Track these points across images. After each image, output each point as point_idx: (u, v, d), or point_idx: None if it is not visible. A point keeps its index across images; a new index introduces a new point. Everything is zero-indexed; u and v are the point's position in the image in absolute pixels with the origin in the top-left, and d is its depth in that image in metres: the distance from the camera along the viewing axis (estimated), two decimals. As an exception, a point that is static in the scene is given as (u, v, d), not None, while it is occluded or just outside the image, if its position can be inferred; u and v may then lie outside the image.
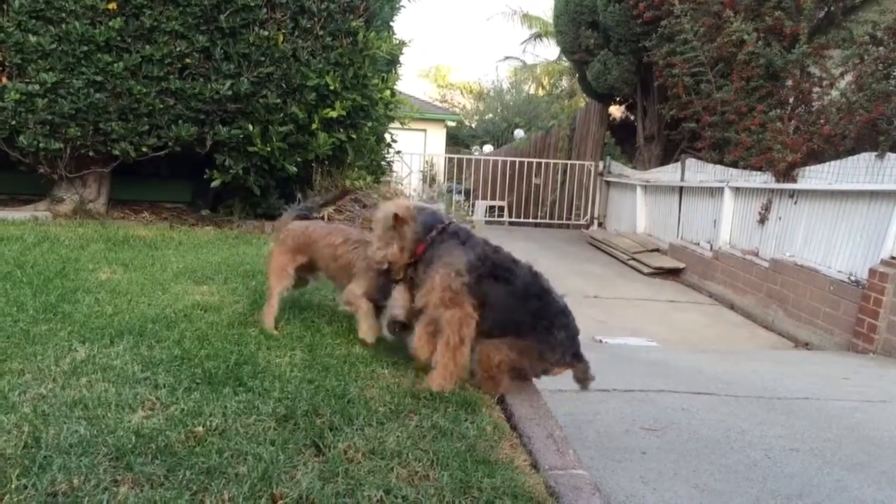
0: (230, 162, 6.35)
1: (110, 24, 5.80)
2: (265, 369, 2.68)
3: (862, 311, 5.69)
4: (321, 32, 6.29)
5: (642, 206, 11.31)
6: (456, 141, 26.60)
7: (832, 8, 8.55)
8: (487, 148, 24.38)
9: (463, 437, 2.27)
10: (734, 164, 8.35)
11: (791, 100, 8.18)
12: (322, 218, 5.28)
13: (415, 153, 14.70)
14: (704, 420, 3.24)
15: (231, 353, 2.79)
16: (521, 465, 2.19)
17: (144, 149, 6.19)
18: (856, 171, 6.29)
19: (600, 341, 5.88)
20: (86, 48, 5.80)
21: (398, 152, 9.77)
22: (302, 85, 6.25)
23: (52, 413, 2.12)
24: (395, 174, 10.53)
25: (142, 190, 7.38)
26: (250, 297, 3.77)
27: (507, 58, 31.58)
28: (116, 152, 6.13)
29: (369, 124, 7.07)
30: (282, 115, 6.27)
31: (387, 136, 8.94)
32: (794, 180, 7.20)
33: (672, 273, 9.32)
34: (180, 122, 6.10)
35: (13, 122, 5.80)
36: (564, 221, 14.41)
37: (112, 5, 5.80)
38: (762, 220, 7.74)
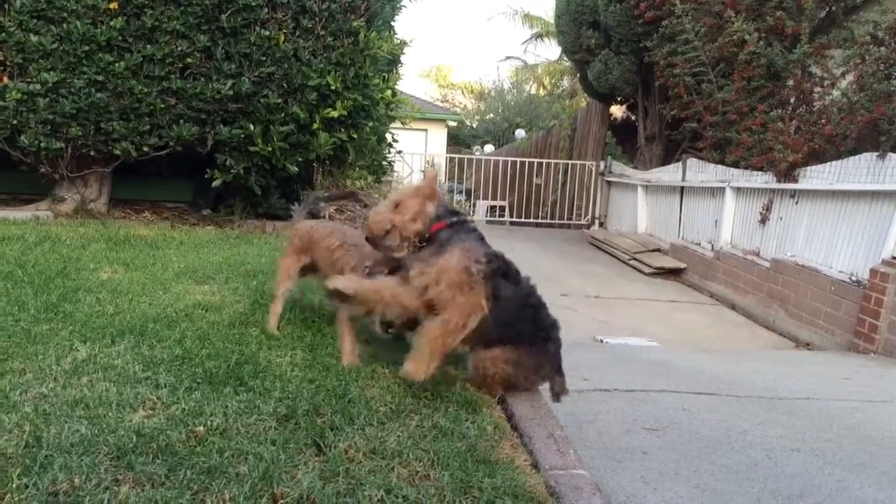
0: (231, 162, 6.36)
1: (111, 23, 5.80)
2: (266, 369, 2.68)
3: (863, 311, 5.68)
4: (322, 32, 6.29)
5: (643, 206, 11.31)
6: (457, 141, 26.61)
7: (833, 8, 8.54)
8: (488, 148, 24.37)
9: (464, 437, 2.28)
10: (735, 164, 8.34)
11: (792, 100, 8.17)
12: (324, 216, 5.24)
13: (416, 153, 14.70)
14: (705, 420, 3.24)
15: (232, 353, 2.80)
16: (522, 465, 2.19)
17: (146, 148, 6.19)
18: (857, 171, 6.28)
19: (601, 341, 5.88)
20: (87, 48, 5.80)
21: (399, 152, 9.77)
22: (303, 85, 6.26)
23: (54, 412, 2.12)
24: (396, 174, 10.54)
25: (143, 189, 7.39)
26: (251, 296, 3.77)
27: (508, 58, 31.63)
28: (118, 152, 6.13)
29: (370, 124, 7.07)
30: (283, 114, 6.27)
31: (388, 135, 8.94)
32: (796, 180, 7.19)
33: (673, 273, 9.32)
34: (181, 121, 6.11)
35: (14, 122, 5.81)
36: (565, 221, 14.41)
37: (113, 5, 5.80)
38: (763, 220, 7.74)
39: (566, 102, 24.84)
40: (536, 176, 15.46)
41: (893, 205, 5.78)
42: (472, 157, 19.27)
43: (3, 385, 2.29)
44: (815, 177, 6.91)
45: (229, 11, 5.97)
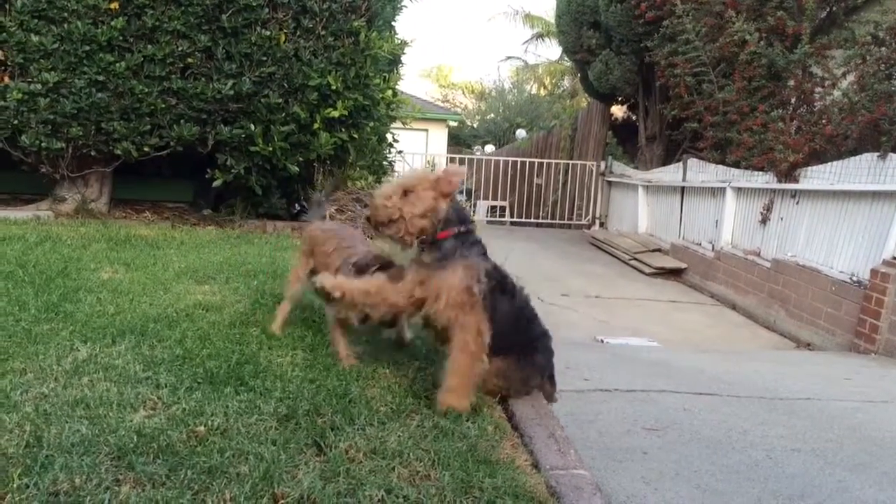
0: (232, 161, 6.36)
1: (112, 23, 5.81)
2: (266, 369, 2.69)
3: (864, 311, 5.68)
4: (323, 32, 6.30)
5: (644, 206, 11.31)
6: (458, 141, 26.62)
7: (834, 8, 8.54)
8: (489, 148, 24.38)
9: (464, 437, 2.28)
10: (736, 165, 8.34)
11: (793, 100, 8.17)
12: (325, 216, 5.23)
13: (416, 153, 14.70)
14: (706, 420, 3.24)
15: (232, 353, 2.80)
16: (523, 465, 2.19)
17: (146, 148, 6.20)
18: (858, 171, 6.28)
19: (602, 341, 5.88)
20: (88, 48, 5.81)
21: (400, 152, 9.76)
22: (304, 85, 6.26)
23: (54, 412, 2.13)
24: (396, 174, 10.52)
25: (144, 189, 7.40)
26: (252, 296, 3.77)
27: (508, 58, 31.62)
28: (118, 152, 6.14)
29: (371, 124, 7.07)
30: (283, 114, 6.28)
31: (388, 135, 8.93)
32: (796, 180, 7.19)
33: (674, 273, 9.31)
34: (182, 121, 6.11)
35: (15, 122, 5.82)
36: (566, 221, 14.41)
37: (114, 5, 5.81)
38: (764, 221, 7.73)
39: (567, 102, 24.83)
40: (537, 176, 15.47)
41: (894, 205, 5.77)
42: (473, 157, 19.27)
43: (4, 385, 2.29)
44: (816, 177, 6.90)
45: (230, 11, 5.98)
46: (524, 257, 9.44)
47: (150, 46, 5.94)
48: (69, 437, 1.97)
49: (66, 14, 5.75)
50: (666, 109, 10.18)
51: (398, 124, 9.51)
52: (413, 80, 34.89)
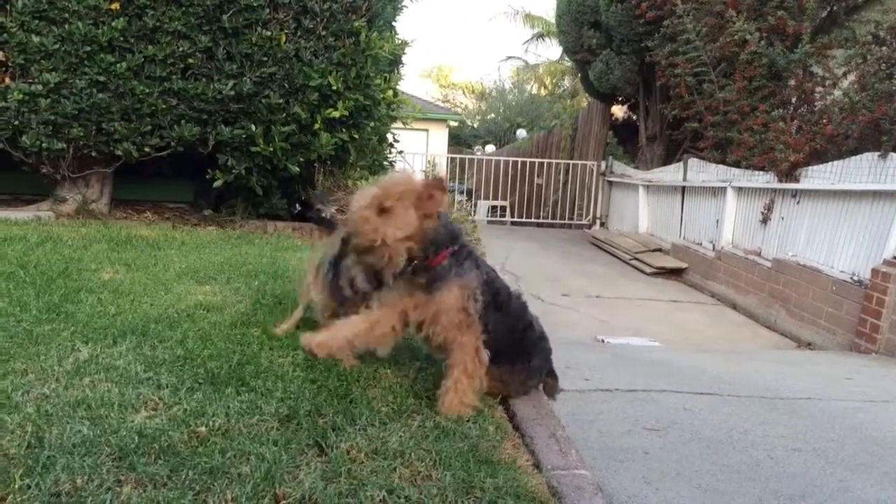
0: (233, 162, 6.36)
1: (113, 24, 5.80)
2: (268, 369, 2.69)
3: (864, 311, 5.68)
4: (324, 32, 6.29)
5: (644, 205, 11.31)
6: (458, 141, 26.61)
7: (835, 7, 8.54)
8: (490, 148, 24.39)
9: (465, 438, 2.28)
10: (737, 164, 8.34)
11: (794, 99, 8.17)
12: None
13: (417, 153, 14.70)
14: (707, 420, 3.24)
15: (234, 353, 2.80)
16: (524, 466, 2.19)
17: (147, 149, 6.20)
18: (858, 171, 6.28)
19: (602, 341, 5.88)
20: (88, 48, 5.81)
21: (400, 152, 9.75)
22: (304, 85, 6.26)
23: (56, 413, 2.13)
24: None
25: (144, 190, 7.40)
26: (253, 297, 3.77)
27: (509, 58, 31.63)
28: (119, 152, 6.14)
29: (372, 124, 7.06)
30: (284, 115, 6.28)
31: (389, 135, 8.92)
32: (797, 180, 7.19)
33: (674, 273, 9.31)
34: (183, 122, 6.11)
35: (16, 123, 5.82)
36: (567, 221, 14.41)
37: (115, 6, 5.81)
38: (765, 220, 7.73)
39: (567, 102, 24.83)
40: (537, 176, 15.47)
41: (895, 205, 5.77)
42: (474, 157, 19.27)
43: (6, 386, 2.29)
44: (817, 177, 6.90)
45: (231, 12, 5.98)
46: (525, 257, 9.44)
47: (150, 47, 5.94)
48: (71, 438, 1.97)
49: (66, 15, 5.75)
50: (666, 109, 10.18)
51: (399, 124, 9.50)
52: (413, 80, 34.90)
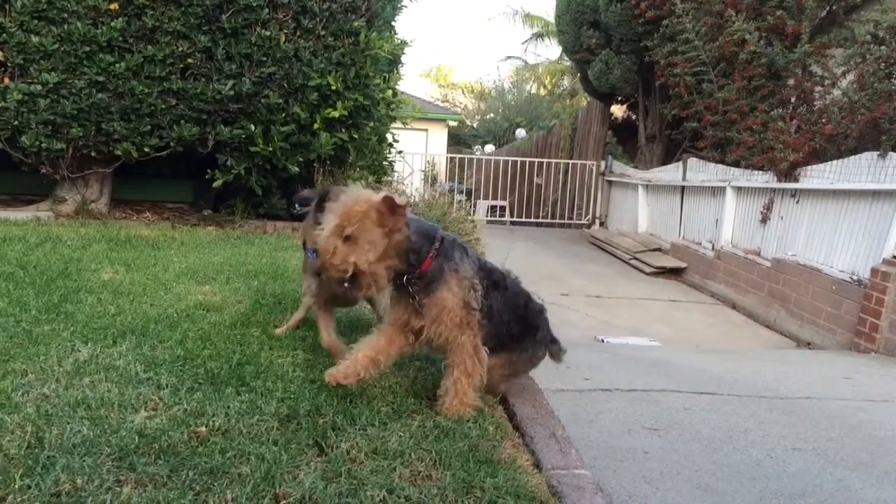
0: (232, 162, 6.36)
1: (112, 24, 5.81)
2: (268, 369, 2.69)
3: (864, 310, 5.68)
4: (323, 32, 6.30)
5: (644, 205, 11.31)
6: (458, 140, 26.60)
7: (834, 7, 8.54)
8: (489, 147, 24.37)
9: (465, 437, 2.28)
10: (736, 164, 8.34)
11: (793, 99, 8.17)
12: None
13: (416, 153, 14.69)
14: (707, 420, 3.24)
15: (233, 354, 2.80)
16: (524, 465, 2.19)
17: (146, 149, 6.20)
18: (858, 170, 6.28)
19: (602, 341, 5.88)
20: (88, 48, 5.81)
21: (400, 152, 9.76)
22: (304, 85, 6.26)
23: (56, 413, 2.13)
24: (396, 174, 10.52)
25: (144, 190, 7.40)
26: (252, 297, 3.77)
27: (508, 57, 31.61)
28: (118, 152, 6.14)
29: (371, 124, 7.07)
30: (284, 115, 6.28)
31: (388, 135, 8.93)
32: (796, 180, 7.19)
33: (674, 272, 9.31)
34: (182, 122, 6.11)
35: (15, 123, 5.82)
36: (566, 221, 14.41)
37: (114, 6, 5.81)
38: (764, 220, 7.73)
39: (567, 102, 24.83)
40: (537, 176, 15.47)
41: (894, 204, 5.77)
42: (473, 156, 19.27)
43: (5, 386, 2.29)
44: (816, 176, 6.90)
45: (230, 12, 5.98)
46: (524, 257, 9.44)
47: (150, 47, 5.94)
48: (70, 438, 1.97)
49: (66, 15, 5.75)
50: (666, 109, 10.18)
51: (398, 124, 9.51)
52: (413, 80, 34.87)
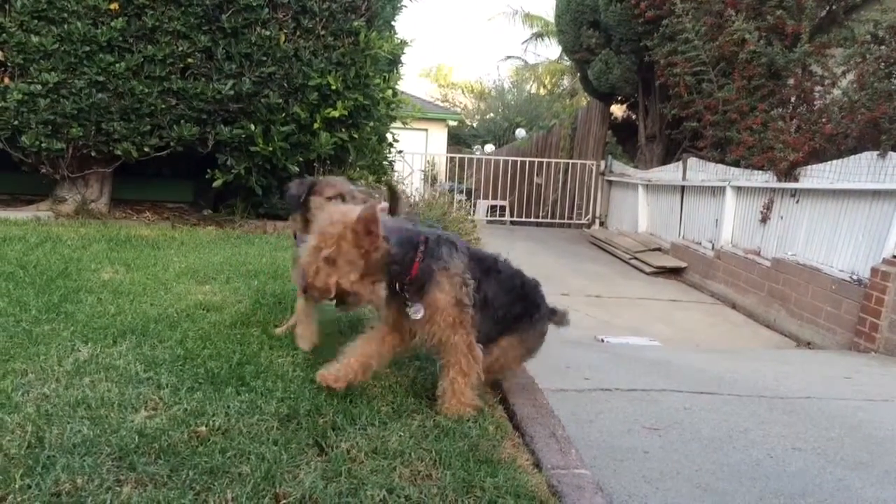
0: (232, 162, 6.36)
1: (112, 24, 5.81)
2: (268, 369, 2.69)
3: (864, 310, 5.68)
4: (323, 32, 6.30)
5: (644, 205, 11.31)
6: (457, 140, 26.59)
7: (834, 7, 8.54)
8: (489, 147, 24.37)
9: (465, 437, 2.28)
10: (736, 164, 8.34)
11: (793, 99, 8.17)
12: None
13: (416, 153, 14.70)
14: (707, 419, 3.24)
15: (234, 353, 2.80)
16: (524, 465, 2.19)
17: (146, 149, 6.20)
18: (858, 170, 6.28)
19: (602, 340, 5.89)
20: (88, 48, 5.81)
21: (400, 152, 9.76)
22: (304, 85, 6.26)
23: (56, 413, 2.13)
24: (396, 174, 10.52)
25: (144, 190, 7.40)
26: (252, 296, 3.77)
27: (508, 57, 31.61)
28: (118, 152, 6.14)
29: (371, 124, 7.07)
30: (284, 114, 6.28)
31: (388, 135, 8.94)
32: (796, 179, 7.19)
33: (674, 272, 9.31)
34: (182, 121, 6.11)
35: (15, 123, 5.82)
36: (566, 221, 14.41)
37: (114, 6, 5.81)
38: (764, 220, 7.73)
39: (566, 102, 24.82)
40: (537, 175, 15.47)
41: (894, 204, 5.77)
42: (473, 156, 19.27)
43: (6, 385, 2.29)
44: (816, 176, 6.90)
45: (230, 12, 5.98)
46: (524, 257, 9.44)
47: (150, 47, 5.94)
48: (71, 438, 1.97)
49: (65, 15, 5.75)
50: (666, 108, 10.18)
51: (398, 124, 9.51)
52: (413, 80, 34.86)
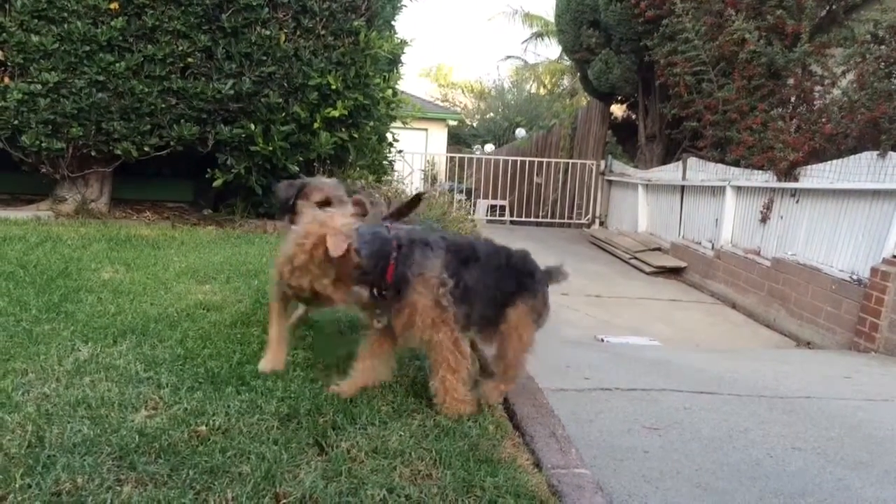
0: (232, 161, 6.36)
1: (112, 23, 5.80)
2: (268, 368, 2.68)
3: (864, 309, 5.68)
4: (323, 32, 6.29)
5: (644, 205, 11.31)
6: (457, 140, 26.57)
7: (834, 6, 8.54)
8: (489, 147, 24.35)
9: (465, 437, 2.28)
10: (736, 163, 8.34)
11: (793, 98, 8.17)
12: None
13: (416, 152, 14.70)
14: (706, 419, 3.24)
15: (234, 353, 2.80)
16: (524, 465, 2.20)
17: (146, 148, 6.20)
18: (858, 170, 6.28)
19: (602, 340, 5.89)
20: (88, 48, 5.81)
21: (400, 151, 9.76)
22: (304, 84, 6.26)
23: (56, 412, 2.13)
24: (396, 173, 10.52)
25: (144, 189, 7.40)
26: (253, 296, 3.77)
27: (508, 57, 31.57)
28: (118, 152, 6.14)
29: (371, 123, 7.07)
30: (284, 114, 6.28)
31: (388, 135, 8.93)
32: (796, 179, 7.19)
33: (674, 272, 9.31)
34: (182, 121, 6.11)
35: (15, 122, 5.81)
36: (566, 220, 14.41)
37: (114, 5, 5.81)
38: (764, 219, 7.73)
39: (566, 101, 24.81)
40: (537, 175, 15.46)
41: (894, 203, 5.78)
42: (473, 156, 19.26)
43: (6, 385, 2.29)
44: (816, 175, 6.90)
45: (230, 11, 5.97)
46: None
47: (150, 46, 5.93)
48: (71, 437, 1.97)
49: (66, 14, 5.75)
50: (666, 108, 10.18)
51: (398, 124, 9.51)
52: (413, 80, 34.82)
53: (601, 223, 13.33)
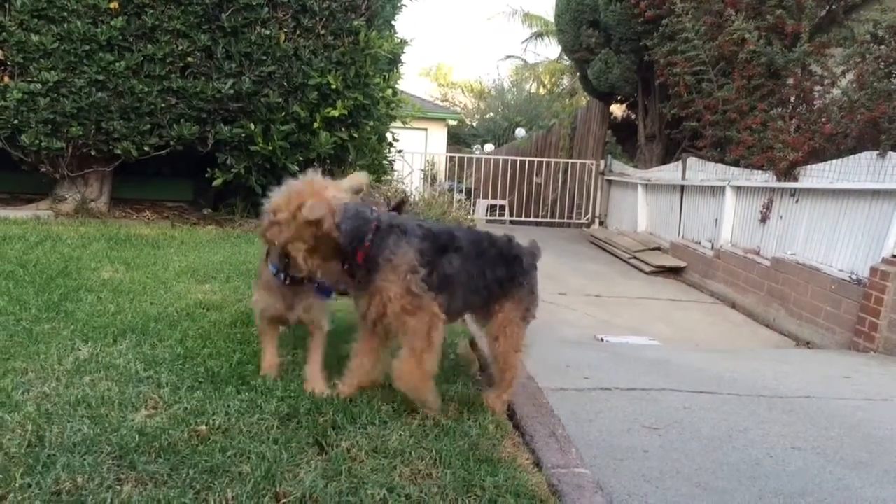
0: (232, 161, 6.36)
1: (112, 23, 5.80)
2: (268, 368, 2.68)
3: (863, 309, 5.68)
4: (323, 31, 6.30)
5: (643, 204, 11.31)
6: (457, 140, 26.56)
7: (833, 6, 8.54)
8: (488, 147, 24.35)
9: (465, 436, 2.28)
10: (735, 163, 8.34)
11: (792, 98, 8.17)
12: None
13: (416, 152, 14.69)
14: (706, 419, 3.24)
15: (234, 352, 2.80)
16: (524, 464, 2.20)
17: (146, 148, 6.20)
18: (857, 169, 6.28)
19: (602, 340, 5.89)
20: (88, 47, 5.81)
21: (399, 151, 9.76)
22: (304, 84, 6.26)
23: (56, 412, 2.13)
24: (396, 173, 10.52)
25: (143, 189, 7.40)
26: (252, 296, 3.77)
27: (508, 57, 31.57)
28: (118, 151, 6.14)
29: (371, 123, 7.07)
30: (283, 113, 6.28)
31: (388, 135, 8.93)
32: (796, 179, 7.19)
33: (673, 272, 9.31)
34: (182, 120, 6.11)
35: (15, 122, 5.81)
36: (566, 220, 14.41)
37: (114, 4, 5.81)
38: (763, 219, 7.73)
39: (566, 101, 24.81)
40: (536, 175, 15.46)
41: (893, 203, 5.77)
42: (473, 156, 19.26)
43: (6, 384, 2.29)
44: (816, 175, 6.90)
45: (230, 11, 5.98)
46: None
47: (149, 46, 5.94)
48: (71, 437, 1.97)
49: (65, 13, 5.75)
50: (665, 108, 10.18)
51: (398, 123, 9.51)
52: (413, 79, 34.82)
53: (601, 223, 13.33)
